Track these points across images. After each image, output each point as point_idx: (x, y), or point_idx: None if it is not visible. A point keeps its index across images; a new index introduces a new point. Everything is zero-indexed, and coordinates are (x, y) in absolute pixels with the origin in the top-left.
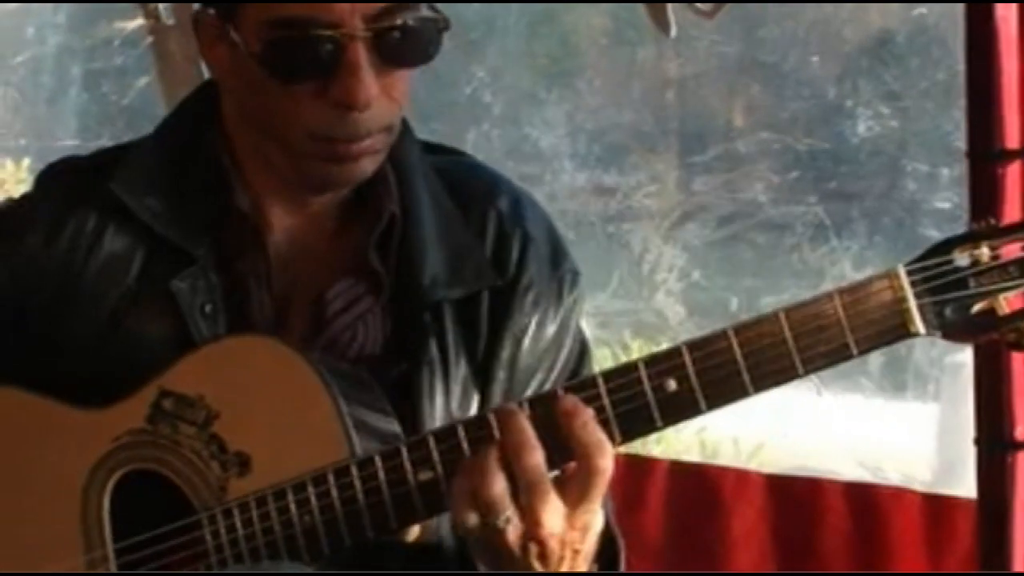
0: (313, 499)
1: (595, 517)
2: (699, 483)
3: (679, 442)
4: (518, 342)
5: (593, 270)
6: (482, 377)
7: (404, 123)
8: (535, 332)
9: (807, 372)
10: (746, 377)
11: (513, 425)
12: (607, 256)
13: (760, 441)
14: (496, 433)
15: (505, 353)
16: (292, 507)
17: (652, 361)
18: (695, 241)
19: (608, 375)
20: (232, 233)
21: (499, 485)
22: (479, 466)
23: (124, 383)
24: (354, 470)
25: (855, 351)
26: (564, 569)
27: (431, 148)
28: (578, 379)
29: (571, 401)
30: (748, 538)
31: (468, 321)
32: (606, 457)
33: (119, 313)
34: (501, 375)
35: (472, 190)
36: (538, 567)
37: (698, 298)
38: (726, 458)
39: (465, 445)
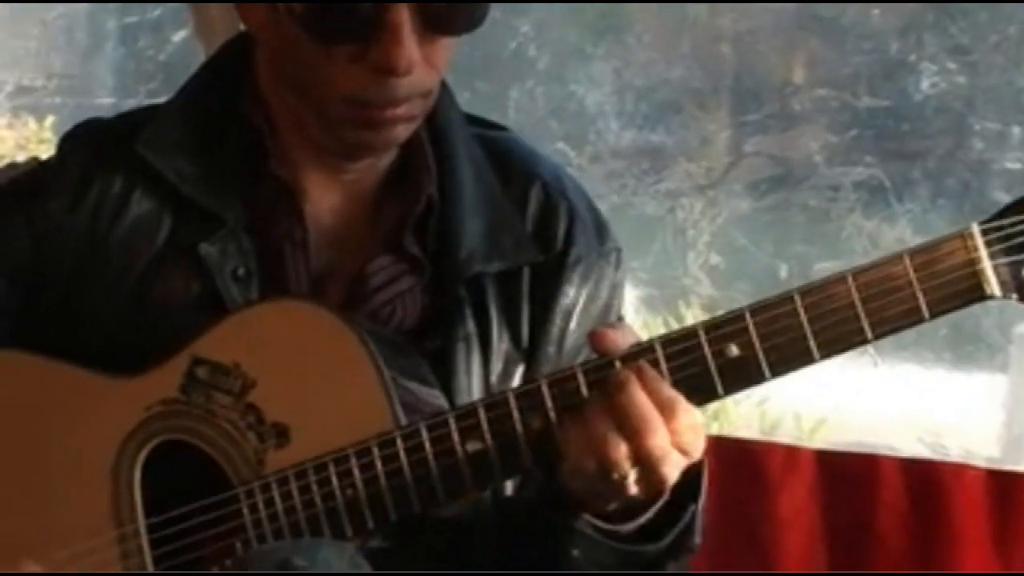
0: (356, 472)
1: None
2: (746, 459)
3: (738, 417)
4: (567, 317)
5: (637, 233)
6: (529, 353)
7: (445, 89)
8: (584, 308)
9: (876, 337)
10: (812, 342)
11: (633, 398)
12: (652, 219)
13: (822, 416)
14: (549, 401)
15: (555, 328)
16: (334, 480)
17: (713, 326)
18: (744, 204)
19: (666, 340)
20: (266, 198)
21: (623, 446)
22: (600, 430)
23: (153, 352)
24: (399, 441)
25: (927, 314)
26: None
27: (472, 120)
28: (636, 344)
29: (625, 375)
30: (797, 517)
31: (510, 296)
32: (691, 414)
33: (147, 279)
34: (550, 351)
35: (513, 163)
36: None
37: (746, 264)
38: (786, 433)
39: (516, 415)
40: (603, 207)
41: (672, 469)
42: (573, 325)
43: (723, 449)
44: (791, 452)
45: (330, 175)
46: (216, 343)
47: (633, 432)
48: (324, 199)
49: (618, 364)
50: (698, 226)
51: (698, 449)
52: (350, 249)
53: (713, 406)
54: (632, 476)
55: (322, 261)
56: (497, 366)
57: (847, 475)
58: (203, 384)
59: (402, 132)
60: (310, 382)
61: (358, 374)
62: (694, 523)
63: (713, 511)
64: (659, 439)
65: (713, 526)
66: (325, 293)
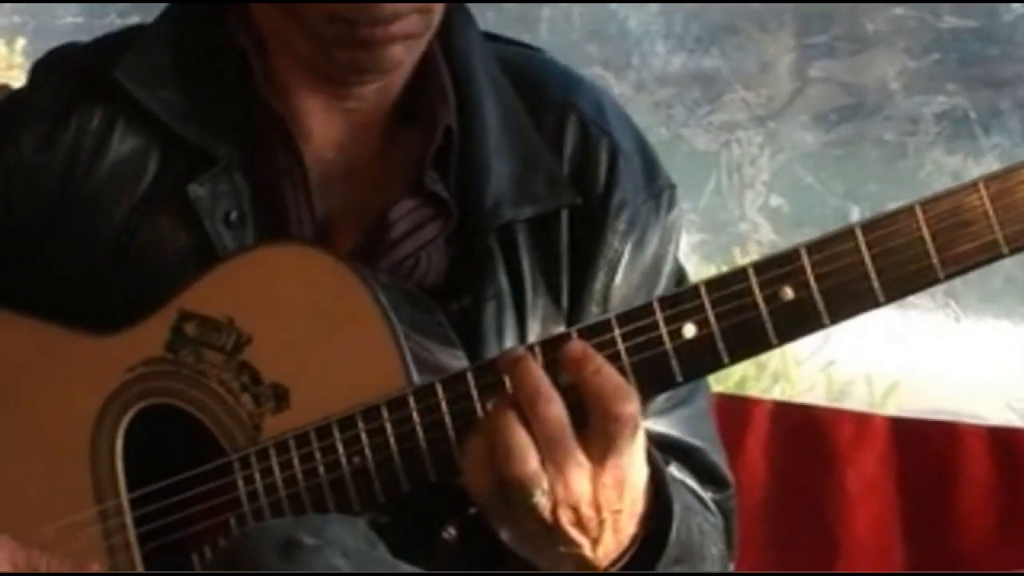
0: (363, 437)
1: (631, 471)
2: (810, 428)
3: (802, 380)
4: (612, 270)
5: (687, 172)
6: (570, 312)
7: (461, 6)
8: (631, 258)
9: (948, 276)
10: (875, 282)
11: (523, 374)
12: (705, 156)
13: (896, 379)
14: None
15: (598, 284)
16: (339, 446)
17: (764, 266)
18: (810, 138)
19: (712, 284)
20: (260, 132)
21: (532, 460)
22: (498, 430)
23: (138, 305)
24: (412, 401)
25: (1005, 250)
26: (607, 533)
27: (495, 40)
28: (676, 289)
29: (579, 348)
30: (868, 492)
31: (545, 247)
32: (628, 402)
33: (130, 225)
34: (594, 309)
35: (546, 90)
36: (576, 535)
37: (812, 206)
38: (856, 399)
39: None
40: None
41: (581, 478)
42: (619, 280)
43: (785, 416)
44: (862, 420)
45: (330, 104)
46: (206, 295)
47: (527, 408)
48: (325, 132)
49: (575, 335)
50: (757, 163)
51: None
52: (359, 191)
53: (774, 367)
54: (541, 494)
55: (327, 204)
56: (534, 327)
57: (925, 446)
58: (192, 341)
59: (399, 53)
60: (312, 338)
61: (366, 328)
62: None
63: (774, 485)
64: (554, 411)
65: (773, 502)
66: (334, 241)
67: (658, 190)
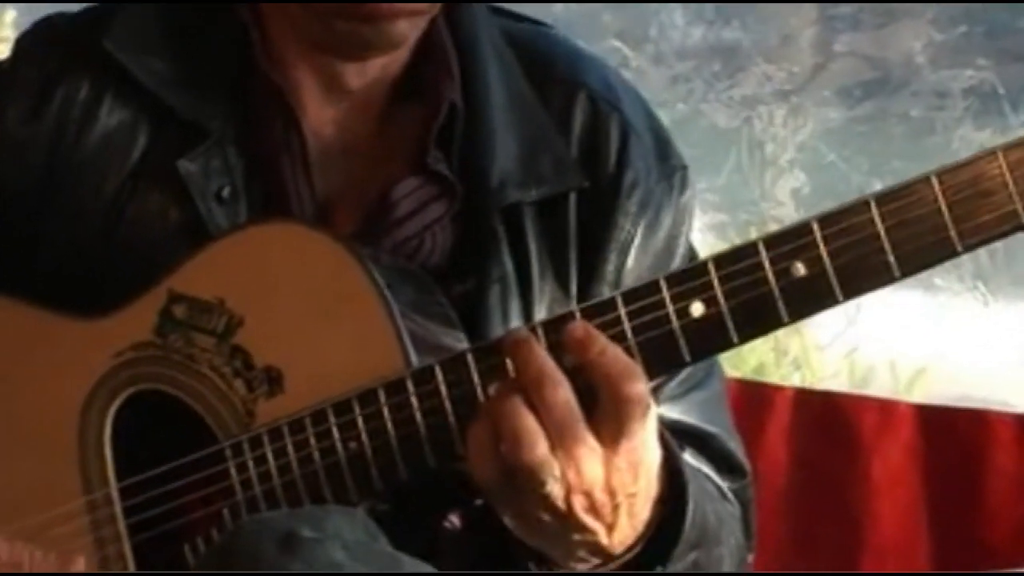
0: (360, 422)
1: (645, 453)
2: (832, 415)
3: (822, 367)
4: (624, 252)
5: (707, 148)
6: (580, 296)
7: None
8: (643, 240)
9: (967, 248)
10: (891, 256)
11: (527, 357)
12: (725, 132)
13: (922, 365)
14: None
15: (609, 267)
16: (335, 432)
17: (774, 240)
18: (833, 113)
19: (720, 260)
20: (255, 105)
21: (541, 446)
22: (504, 416)
23: (126, 286)
24: (410, 385)
25: None
26: (622, 518)
27: (500, 13)
28: (683, 266)
29: (581, 328)
30: (894, 483)
31: (553, 230)
32: (636, 382)
33: (118, 201)
34: (605, 293)
35: (554, 67)
36: (590, 522)
37: (835, 184)
38: (880, 386)
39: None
40: (666, 117)
41: (593, 462)
42: (631, 263)
43: (807, 403)
44: (887, 407)
45: (329, 80)
46: (196, 276)
47: (533, 393)
48: (324, 108)
49: (578, 315)
50: (779, 139)
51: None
52: (360, 168)
53: (794, 353)
54: (554, 481)
55: (327, 181)
56: (541, 312)
57: (952, 434)
58: (181, 324)
59: (404, 28)
60: (306, 320)
61: (363, 309)
62: None
63: (795, 475)
64: (562, 394)
65: (794, 493)
66: (334, 221)
67: (671, 170)
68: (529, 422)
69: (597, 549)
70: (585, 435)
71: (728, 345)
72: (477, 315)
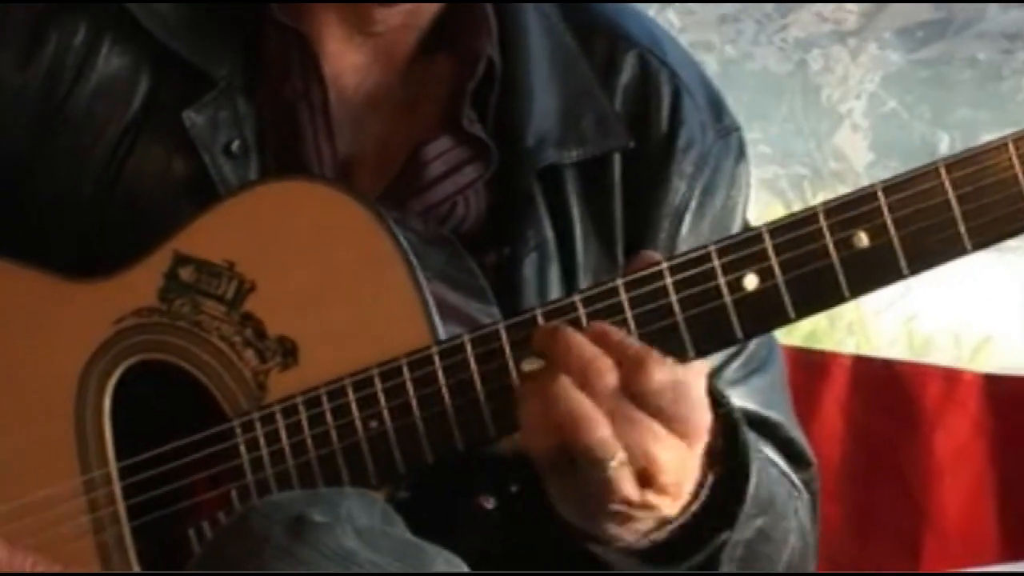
0: (382, 398)
1: (699, 415)
2: (892, 386)
3: (879, 335)
4: (678, 219)
5: (759, 96)
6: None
7: None
8: (699, 205)
9: None
10: (962, 227)
11: (565, 350)
12: (777, 78)
13: (987, 334)
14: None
15: (662, 235)
16: (354, 409)
17: (836, 208)
18: (894, 57)
19: (777, 229)
20: (271, 52)
21: (601, 428)
22: (558, 401)
23: (127, 248)
24: (437, 359)
25: None
26: (685, 487)
27: None
28: (736, 234)
29: (598, 329)
30: (959, 458)
31: (597, 193)
32: (646, 378)
33: (118, 155)
34: None
35: (596, 18)
36: (656, 499)
37: (896, 134)
38: (942, 356)
39: (585, 321)
40: (713, 62)
41: (658, 446)
42: (685, 230)
43: (866, 372)
44: (951, 377)
45: (351, 28)
46: (204, 237)
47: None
48: (347, 54)
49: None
50: (835, 85)
51: (688, 421)
52: (387, 124)
53: (848, 319)
54: (615, 462)
55: (349, 137)
56: (585, 282)
57: (1022, 407)
58: (188, 289)
59: None
60: (324, 286)
61: (386, 276)
62: (720, 556)
63: (852, 450)
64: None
65: (851, 469)
66: (357, 181)
67: (726, 130)
68: (585, 407)
69: (661, 521)
70: (639, 416)
71: (784, 321)
72: (512, 285)
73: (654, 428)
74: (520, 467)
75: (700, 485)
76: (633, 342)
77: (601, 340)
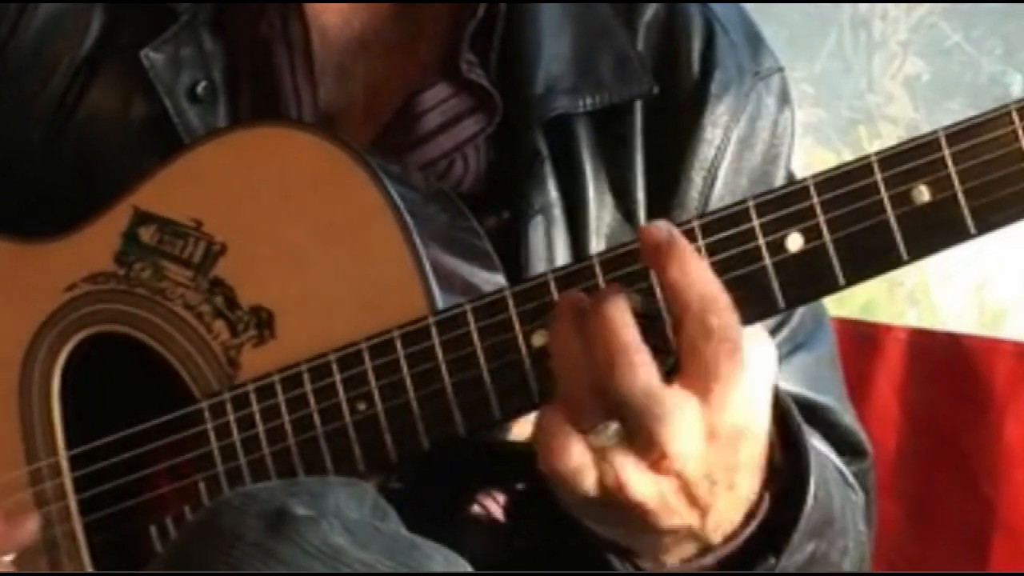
0: (371, 377)
1: (748, 407)
2: (958, 363)
3: (944, 305)
4: (712, 174)
5: (802, 29)
6: None
7: None
8: (736, 158)
9: None
10: None
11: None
12: (822, 8)
13: None
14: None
15: (693, 192)
16: (339, 390)
17: (892, 158)
18: None
19: (824, 181)
20: None
21: (589, 396)
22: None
23: (79, 205)
24: (434, 332)
25: None
26: (720, 498)
27: None
28: (778, 188)
29: (664, 232)
30: None
31: (615, 147)
32: (718, 313)
33: (69, 98)
34: None
35: None
36: (679, 504)
37: (961, 73)
38: (1016, 329)
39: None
40: None
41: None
42: (720, 187)
43: (926, 348)
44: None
45: None
46: (167, 191)
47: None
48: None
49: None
50: (889, 17)
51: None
52: (376, 69)
53: (910, 288)
54: (608, 432)
55: (333, 84)
56: (599, 246)
57: None
58: (149, 251)
59: None
60: (305, 249)
61: (376, 237)
62: None
63: (910, 436)
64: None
65: (909, 457)
66: (343, 131)
67: (767, 71)
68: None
69: (690, 536)
70: (668, 398)
71: (832, 288)
72: (516, 251)
73: (670, 403)
74: (529, 458)
75: (755, 507)
76: (698, 271)
77: (657, 252)
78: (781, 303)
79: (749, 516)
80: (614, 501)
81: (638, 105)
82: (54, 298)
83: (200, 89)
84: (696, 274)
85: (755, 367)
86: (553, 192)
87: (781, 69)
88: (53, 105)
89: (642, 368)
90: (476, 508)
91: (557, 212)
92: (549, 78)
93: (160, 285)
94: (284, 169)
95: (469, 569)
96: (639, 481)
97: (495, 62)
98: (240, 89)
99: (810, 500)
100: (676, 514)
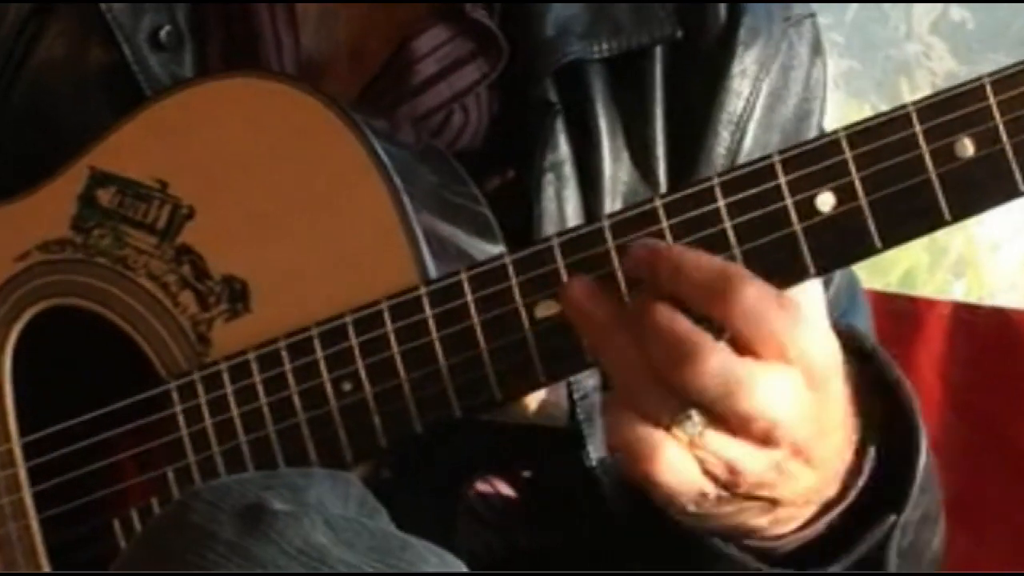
0: (358, 355)
1: (820, 344)
2: (1007, 340)
3: (994, 275)
4: (740, 130)
5: None
6: (672, 189)
7: None
8: (767, 111)
9: None
10: None
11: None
12: None
13: None
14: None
15: (720, 148)
16: (322, 369)
17: (933, 108)
18: None
19: (858, 135)
20: None
21: (657, 391)
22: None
23: (31, 165)
24: (426, 303)
25: None
26: (829, 443)
27: None
28: (806, 142)
29: (639, 250)
30: None
31: (633, 98)
32: (729, 301)
33: (20, 45)
34: None
35: None
36: (806, 474)
37: (1006, 20)
38: None
39: (615, 259)
40: None
41: (751, 395)
42: (749, 142)
43: (971, 324)
44: None
45: None
46: (129, 149)
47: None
48: None
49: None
50: None
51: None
52: (364, 12)
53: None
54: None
55: (316, 29)
56: (614, 206)
57: None
58: (109, 215)
59: None
60: (282, 212)
61: (363, 200)
62: (889, 543)
63: (953, 418)
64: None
65: (953, 440)
66: (327, 80)
67: (798, 18)
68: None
69: (807, 498)
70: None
71: (868, 251)
72: (521, 214)
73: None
74: (533, 444)
75: (857, 464)
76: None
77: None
78: (812, 270)
79: (854, 470)
80: (730, 489)
81: (658, 52)
82: (3, 268)
83: (163, 35)
84: (693, 262)
85: (805, 301)
86: (564, 148)
87: (813, 15)
88: (4, 51)
89: (711, 354)
90: (476, 501)
91: (568, 170)
92: (560, 20)
93: (121, 253)
94: (258, 125)
95: (465, 570)
96: (750, 458)
97: (501, 5)
98: (209, 35)
99: (924, 443)
100: (795, 478)
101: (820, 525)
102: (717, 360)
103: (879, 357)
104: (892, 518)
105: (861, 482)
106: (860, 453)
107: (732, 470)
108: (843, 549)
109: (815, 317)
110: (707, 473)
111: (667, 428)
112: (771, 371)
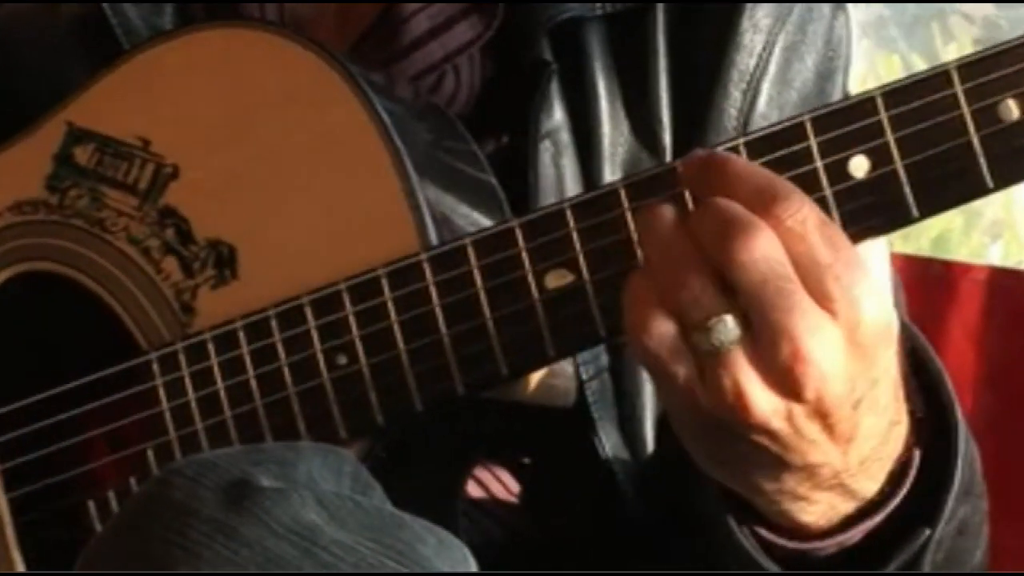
0: (353, 325)
1: (879, 301)
2: None
3: None
4: (753, 89)
5: None
6: (678, 154)
7: None
8: (782, 69)
9: None
10: None
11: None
12: None
13: None
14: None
15: (731, 109)
16: (314, 339)
17: (974, 66)
18: None
19: (893, 93)
20: None
21: (698, 281)
22: (665, 250)
23: (2, 121)
24: (427, 270)
25: None
26: (864, 418)
27: None
28: (839, 102)
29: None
30: None
31: (635, 59)
32: (786, 206)
33: None
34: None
35: None
36: (827, 444)
37: None
38: None
39: (631, 220)
40: None
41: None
42: (763, 103)
43: (1006, 290)
44: None
45: None
46: (107, 105)
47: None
48: None
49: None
50: None
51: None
52: None
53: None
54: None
55: None
56: (613, 175)
57: None
58: (86, 175)
59: None
60: (271, 173)
61: (358, 159)
62: (921, 560)
63: (987, 389)
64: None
65: (985, 412)
66: (313, 35)
67: None
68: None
69: (832, 482)
70: (807, 301)
71: (903, 220)
72: (517, 182)
73: (808, 307)
74: (535, 427)
75: (904, 464)
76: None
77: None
78: None
79: (902, 470)
80: (731, 418)
81: (660, 8)
82: None
83: None
84: (751, 167)
85: (872, 258)
86: (560, 112)
87: None
88: None
89: (764, 232)
90: (477, 482)
91: (565, 136)
92: None
93: (99, 215)
94: (247, 79)
95: (466, 552)
96: (761, 394)
97: None
98: None
99: (962, 448)
100: (810, 443)
101: (859, 531)
102: (770, 242)
103: (919, 349)
104: (926, 532)
105: (905, 488)
106: (905, 455)
107: (739, 395)
108: (878, 563)
109: (879, 277)
110: (717, 389)
111: (692, 327)
112: (824, 320)
